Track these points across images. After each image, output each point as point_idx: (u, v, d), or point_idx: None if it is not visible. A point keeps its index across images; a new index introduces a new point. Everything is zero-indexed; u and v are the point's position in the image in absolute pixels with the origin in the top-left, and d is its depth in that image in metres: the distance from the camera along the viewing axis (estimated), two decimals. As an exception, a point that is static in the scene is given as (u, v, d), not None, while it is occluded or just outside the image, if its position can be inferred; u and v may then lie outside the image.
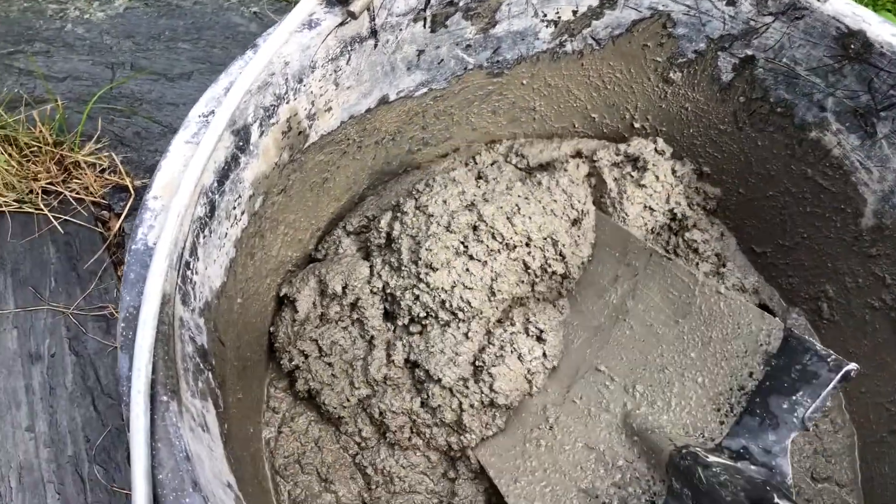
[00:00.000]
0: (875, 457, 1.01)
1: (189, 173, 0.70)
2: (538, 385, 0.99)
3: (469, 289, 0.97)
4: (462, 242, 0.98)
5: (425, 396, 0.97)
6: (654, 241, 1.10)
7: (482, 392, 0.95)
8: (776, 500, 0.75)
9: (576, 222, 1.05)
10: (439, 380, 0.95)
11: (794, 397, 0.82)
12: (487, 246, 0.98)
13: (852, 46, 0.88)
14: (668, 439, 0.87)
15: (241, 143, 0.80)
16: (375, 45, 0.92)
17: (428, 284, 0.96)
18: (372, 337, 1.01)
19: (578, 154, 1.12)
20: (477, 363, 0.97)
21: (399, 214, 1.04)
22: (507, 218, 0.99)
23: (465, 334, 0.98)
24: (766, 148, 1.03)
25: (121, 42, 1.60)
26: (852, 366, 0.79)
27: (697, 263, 1.09)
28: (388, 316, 1.03)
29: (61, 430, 1.16)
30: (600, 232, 1.06)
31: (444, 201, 1.01)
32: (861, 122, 0.92)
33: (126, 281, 0.68)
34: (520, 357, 0.97)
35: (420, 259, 0.97)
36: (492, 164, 1.13)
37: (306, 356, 1.01)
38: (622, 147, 1.08)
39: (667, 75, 1.05)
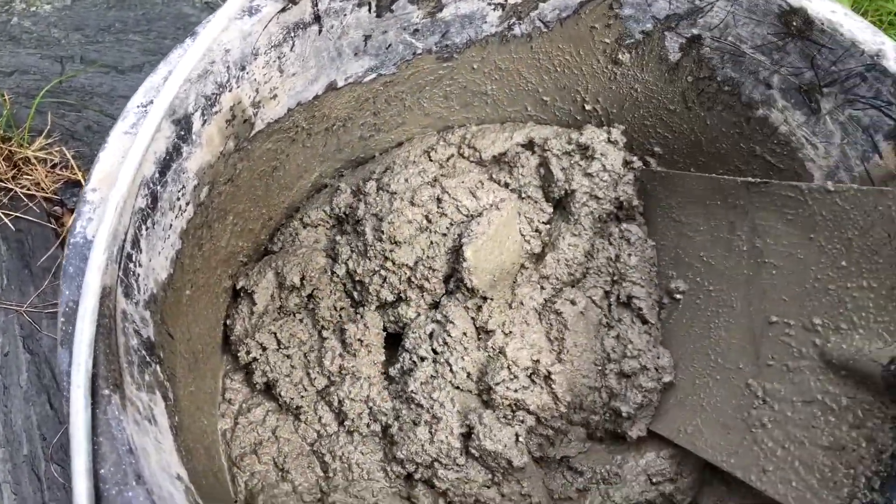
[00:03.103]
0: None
1: (127, 164, 0.69)
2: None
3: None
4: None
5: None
6: (602, 228, 1.09)
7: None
8: None
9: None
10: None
11: None
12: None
13: (794, 23, 0.89)
14: (870, 360, 0.79)
15: (182, 133, 0.78)
16: (320, 31, 0.91)
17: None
18: (322, 328, 1.01)
19: (530, 143, 1.12)
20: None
21: (362, 196, 1.03)
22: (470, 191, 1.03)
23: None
24: (715, 127, 1.04)
25: (69, 35, 1.56)
26: None
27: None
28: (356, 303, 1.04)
29: (16, 429, 1.14)
30: (688, 190, 1.02)
31: (406, 179, 1.04)
32: (806, 98, 0.93)
33: (65, 275, 0.67)
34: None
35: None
36: (447, 160, 1.13)
37: (264, 348, 1.00)
38: (574, 136, 1.08)
39: (615, 57, 1.05)
